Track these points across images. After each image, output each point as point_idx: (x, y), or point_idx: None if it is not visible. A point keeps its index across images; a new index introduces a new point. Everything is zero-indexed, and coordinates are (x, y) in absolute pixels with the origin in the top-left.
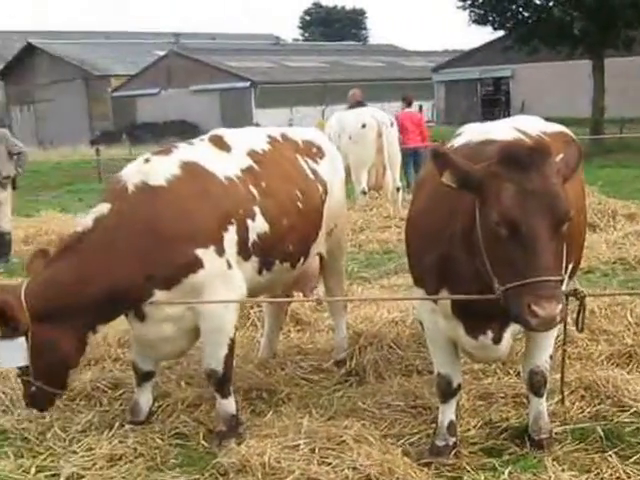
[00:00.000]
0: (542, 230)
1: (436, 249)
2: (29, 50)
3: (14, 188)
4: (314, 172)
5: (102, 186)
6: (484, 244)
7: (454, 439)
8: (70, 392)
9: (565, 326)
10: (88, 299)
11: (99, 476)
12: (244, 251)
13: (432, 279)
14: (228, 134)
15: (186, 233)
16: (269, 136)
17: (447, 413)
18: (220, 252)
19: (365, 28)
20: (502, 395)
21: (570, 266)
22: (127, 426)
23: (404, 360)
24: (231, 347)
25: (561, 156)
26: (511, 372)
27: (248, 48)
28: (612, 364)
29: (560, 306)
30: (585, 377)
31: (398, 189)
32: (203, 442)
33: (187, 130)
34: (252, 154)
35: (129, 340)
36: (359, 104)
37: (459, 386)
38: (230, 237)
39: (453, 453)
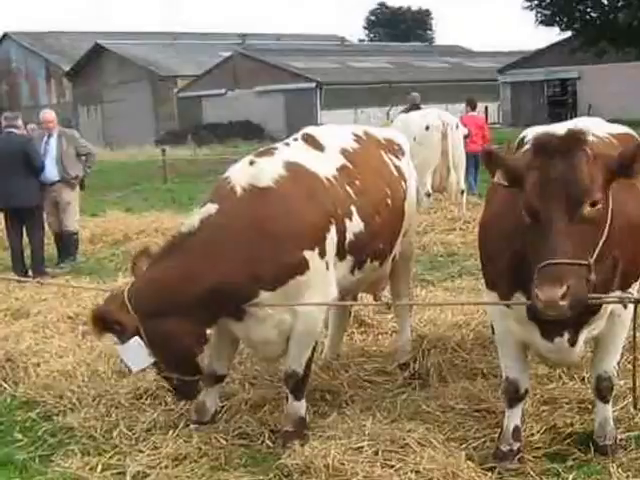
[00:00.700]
0: (556, 214)
1: (510, 252)
2: (97, 51)
3: (82, 188)
4: (397, 169)
5: (167, 186)
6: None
7: (519, 444)
8: (136, 391)
9: (635, 331)
10: (194, 297)
11: (165, 475)
12: (341, 251)
13: (506, 282)
14: (319, 133)
15: (295, 234)
16: (354, 134)
17: (513, 418)
18: (322, 253)
19: (430, 29)
20: (566, 400)
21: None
22: (192, 426)
23: (468, 363)
24: (314, 350)
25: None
26: (576, 377)
27: (313, 49)
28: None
29: (563, 290)
30: None
31: (462, 191)
32: (268, 442)
33: (252, 131)
34: (344, 152)
35: None
36: (415, 107)
37: (526, 391)
38: (330, 238)
39: (517, 458)
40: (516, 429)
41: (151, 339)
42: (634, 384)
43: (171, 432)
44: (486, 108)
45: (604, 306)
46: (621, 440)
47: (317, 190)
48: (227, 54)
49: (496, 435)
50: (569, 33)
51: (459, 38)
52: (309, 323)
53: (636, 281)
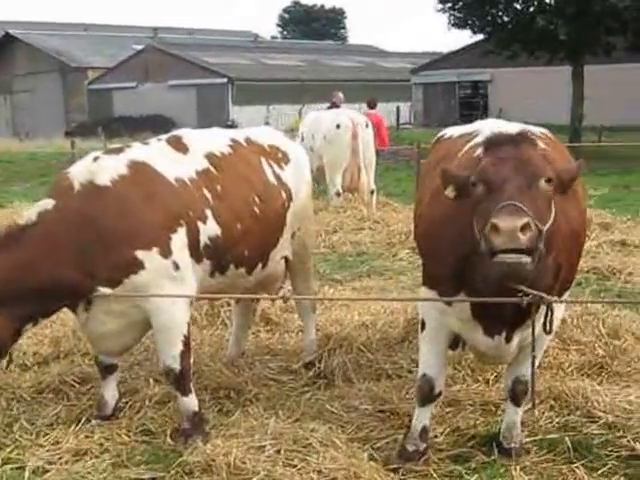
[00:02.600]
0: (510, 178)
1: (457, 252)
2: (7, 40)
3: None
4: (277, 177)
5: None
6: (475, 220)
7: (425, 445)
8: (38, 385)
9: (533, 334)
10: (27, 290)
11: (64, 470)
12: (195, 253)
13: (451, 281)
14: (188, 135)
15: (126, 233)
16: (232, 139)
17: (421, 418)
18: (165, 254)
19: (344, 28)
20: (470, 402)
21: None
22: (94, 421)
23: (373, 364)
24: (186, 344)
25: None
26: (480, 380)
27: (226, 44)
28: (582, 374)
29: (523, 221)
30: (555, 387)
31: (372, 192)
32: (169, 440)
33: (163, 125)
34: (210, 156)
35: None
36: (335, 106)
37: (440, 393)
38: (179, 239)
39: (423, 459)
40: (424, 429)
41: None
42: (532, 389)
43: (73, 427)
44: (398, 108)
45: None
46: (525, 444)
47: (160, 191)
48: (139, 47)
49: (400, 436)
50: (481, 36)
51: (372, 38)
52: (164, 318)
53: (567, 290)
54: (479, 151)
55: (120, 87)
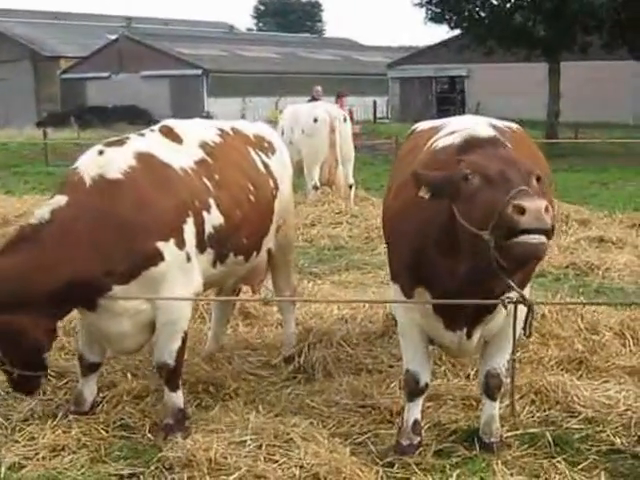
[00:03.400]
0: (511, 169)
1: (414, 246)
2: None
3: None
4: (266, 166)
5: (49, 169)
6: (461, 212)
7: (419, 438)
8: None
9: (515, 329)
10: (45, 291)
11: (41, 466)
12: (200, 243)
13: (408, 276)
14: (178, 125)
15: (146, 225)
16: (219, 129)
17: (413, 411)
18: (180, 244)
19: (320, 21)
20: (451, 397)
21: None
22: (71, 416)
23: (353, 358)
24: (184, 340)
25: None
26: (461, 374)
27: (201, 35)
28: (562, 369)
29: (545, 202)
30: (535, 382)
31: (351, 186)
32: (149, 435)
33: (136, 116)
34: (204, 146)
35: (75, 328)
36: (314, 99)
37: (426, 385)
38: (189, 229)
39: (418, 453)
40: (416, 423)
41: None
42: (512, 384)
43: (49, 422)
44: (374, 102)
45: (498, 307)
46: (505, 438)
47: (171, 180)
48: (113, 37)
49: (381, 431)
50: (458, 31)
51: (349, 32)
52: (171, 313)
53: (529, 282)
54: (445, 144)
55: (93, 77)
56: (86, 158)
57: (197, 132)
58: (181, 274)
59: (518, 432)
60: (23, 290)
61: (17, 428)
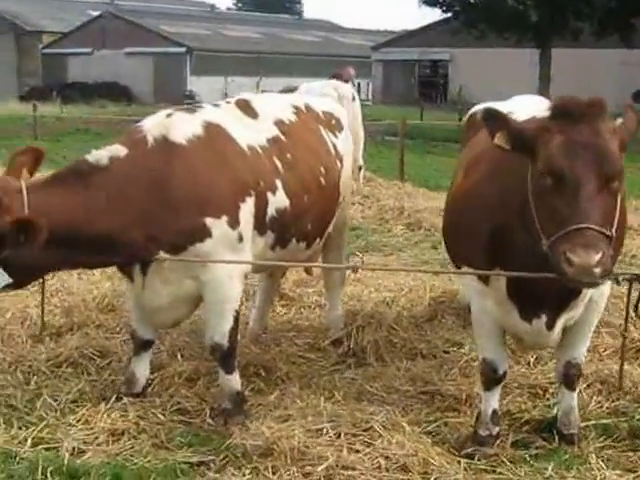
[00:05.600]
0: (587, 180)
1: (491, 225)
2: None
3: None
4: (334, 146)
5: (38, 143)
6: (534, 202)
7: (498, 428)
8: (55, 358)
9: (627, 313)
10: (82, 236)
11: (102, 452)
12: (260, 225)
13: (484, 256)
14: (256, 99)
15: (197, 199)
16: (294, 106)
17: (490, 401)
18: (233, 224)
19: (299, 2)
20: (516, 385)
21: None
22: (125, 399)
23: (407, 343)
24: (236, 320)
25: (620, 120)
26: (522, 361)
27: (184, 14)
28: (619, 358)
29: (599, 256)
30: (600, 370)
31: (360, 167)
32: (209, 420)
33: (118, 92)
34: (279, 123)
35: (108, 306)
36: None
37: (504, 374)
38: (247, 209)
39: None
40: (494, 413)
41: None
42: (621, 366)
43: (102, 404)
44: (358, 85)
45: (584, 290)
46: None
47: (234, 157)
48: (95, 13)
49: (449, 419)
50: (442, 15)
51: (327, 14)
52: (219, 292)
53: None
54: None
55: (75, 52)
56: (153, 118)
57: (273, 108)
58: (230, 253)
59: (590, 423)
60: (64, 222)
61: (66, 410)
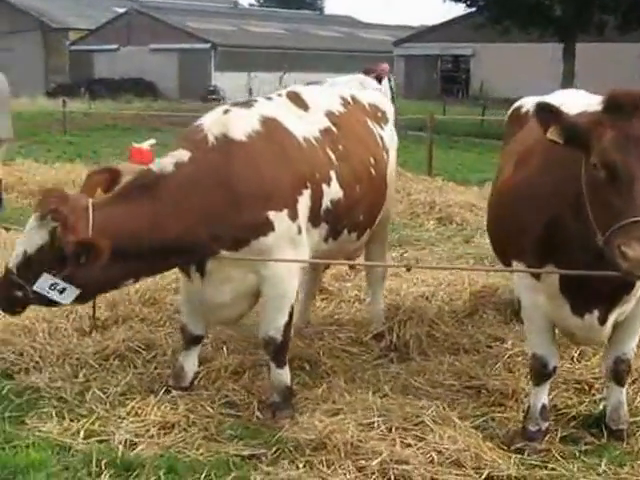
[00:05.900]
0: None
1: (545, 219)
2: None
3: None
4: (381, 138)
5: (67, 138)
6: (588, 196)
7: (547, 424)
8: (102, 351)
9: None
10: (149, 245)
11: (155, 444)
12: (315, 217)
13: (536, 251)
14: (306, 92)
15: (260, 193)
16: (342, 97)
17: (540, 396)
18: (293, 216)
19: None
20: (562, 380)
21: None
22: (174, 392)
23: (449, 337)
24: (291, 315)
25: None
26: (565, 356)
27: (207, 10)
28: None
29: None
30: None
31: None
32: (257, 414)
33: (144, 88)
34: (330, 115)
35: (151, 299)
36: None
37: (554, 369)
38: (304, 201)
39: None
40: (544, 408)
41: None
42: None
43: (152, 397)
44: (395, 79)
45: (637, 284)
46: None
47: (292, 149)
48: (121, 10)
49: (496, 414)
50: (466, 10)
51: (348, 9)
52: (279, 287)
53: None
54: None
55: (101, 49)
56: (211, 116)
57: (322, 99)
58: (290, 246)
59: (637, 419)
60: (130, 236)
61: (116, 402)
